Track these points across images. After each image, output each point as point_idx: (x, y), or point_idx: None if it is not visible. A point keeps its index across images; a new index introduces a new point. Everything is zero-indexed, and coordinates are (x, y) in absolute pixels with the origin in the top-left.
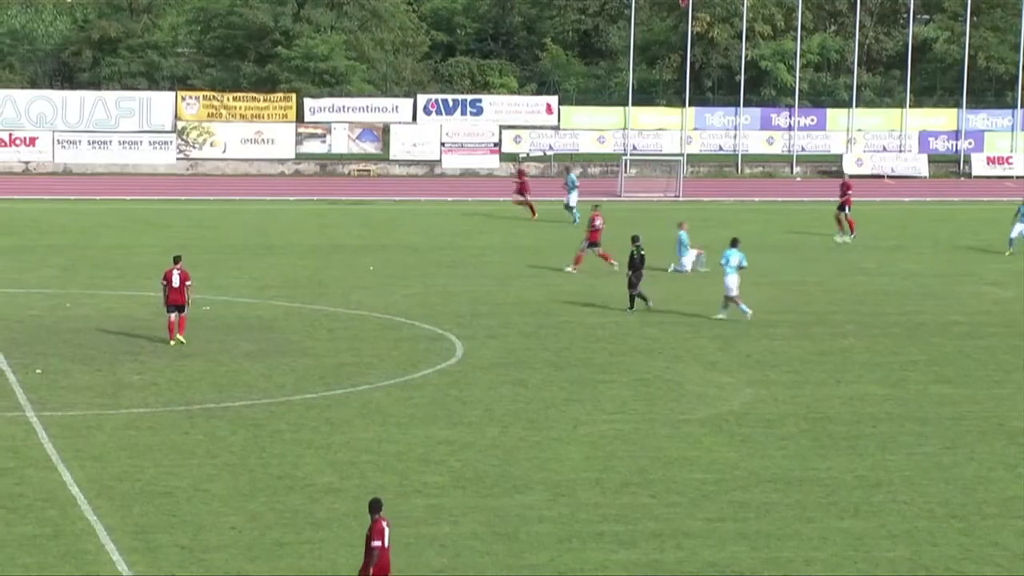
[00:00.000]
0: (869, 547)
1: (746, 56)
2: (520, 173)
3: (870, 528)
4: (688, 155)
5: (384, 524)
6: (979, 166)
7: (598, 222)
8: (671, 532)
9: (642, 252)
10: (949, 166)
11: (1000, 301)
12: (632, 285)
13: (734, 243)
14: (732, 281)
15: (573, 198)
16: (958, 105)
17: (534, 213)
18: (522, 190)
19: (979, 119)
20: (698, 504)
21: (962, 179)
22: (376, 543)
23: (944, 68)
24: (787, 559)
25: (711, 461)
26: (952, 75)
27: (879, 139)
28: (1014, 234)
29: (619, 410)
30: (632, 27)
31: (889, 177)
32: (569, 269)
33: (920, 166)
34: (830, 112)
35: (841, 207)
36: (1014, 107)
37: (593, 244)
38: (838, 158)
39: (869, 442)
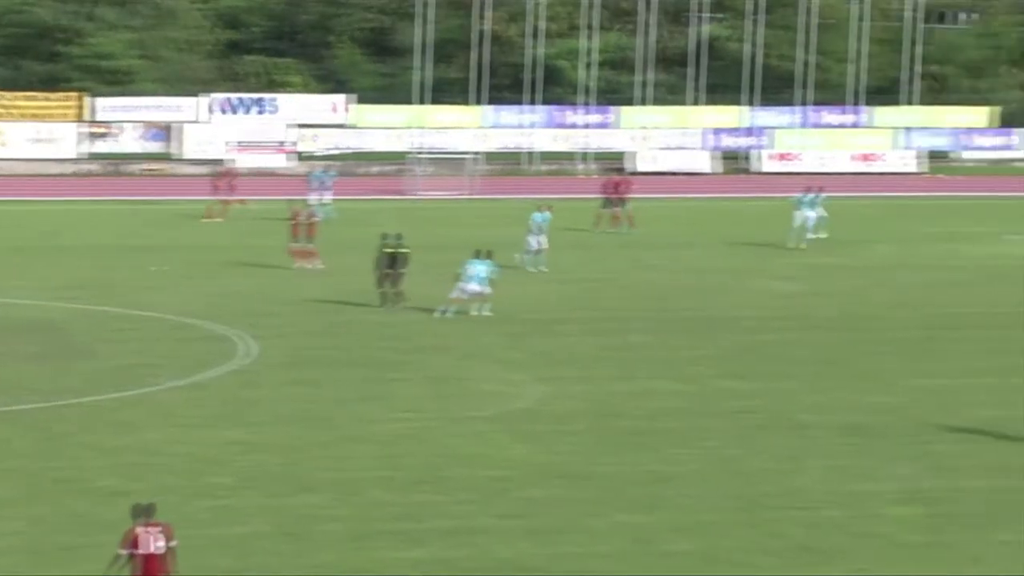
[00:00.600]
0: (657, 541)
1: (536, 54)
2: (226, 173)
3: (658, 522)
4: (481, 153)
5: (143, 531)
6: (766, 163)
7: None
8: (462, 530)
9: (403, 251)
10: (737, 163)
11: (787, 295)
12: (383, 282)
13: (483, 254)
14: (473, 287)
15: (313, 198)
16: (746, 103)
17: (221, 216)
18: (227, 192)
19: (767, 116)
20: (489, 501)
21: (749, 175)
22: (121, 551)
23: (734, 66)
24: (574, 554)
25: (502, 458)
26: (739, 72)
27: (667, 136)
28: (808, 223)
29: (410, 408)
30: (423, 25)
31: (677, 174)
32: (309, 266)
33: (708, 163)
34: (619, 110)
35: (617, 203)
36: (801, 104)
37: (298, 239)
38: (628, 155)
39: (657, 437)
